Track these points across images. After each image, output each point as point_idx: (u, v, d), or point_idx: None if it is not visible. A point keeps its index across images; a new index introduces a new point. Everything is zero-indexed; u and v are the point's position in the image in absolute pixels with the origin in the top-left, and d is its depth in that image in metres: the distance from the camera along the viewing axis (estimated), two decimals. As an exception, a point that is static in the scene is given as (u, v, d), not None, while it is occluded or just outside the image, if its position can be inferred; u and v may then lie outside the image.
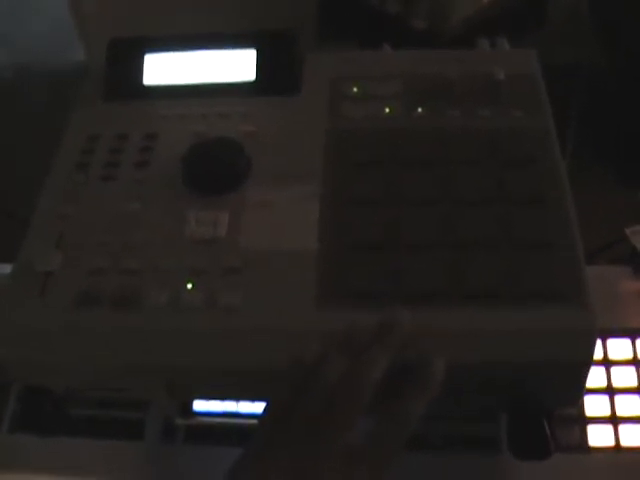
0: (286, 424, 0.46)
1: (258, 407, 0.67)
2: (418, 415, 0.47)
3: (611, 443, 0.64)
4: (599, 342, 0.68)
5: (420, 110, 0.61)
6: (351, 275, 0.53)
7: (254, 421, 0.67)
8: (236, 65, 0.64)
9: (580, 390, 0.54)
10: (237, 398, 0.66)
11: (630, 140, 0.89)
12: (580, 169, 0.86)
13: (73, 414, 0.67)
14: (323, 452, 0.44)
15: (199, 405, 0.68)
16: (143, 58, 0.65)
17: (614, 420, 0.65)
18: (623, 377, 0.66)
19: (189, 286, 0.54)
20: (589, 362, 0.51)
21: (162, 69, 0.65)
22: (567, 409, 0.63)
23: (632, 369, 0.67)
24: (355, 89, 0.63)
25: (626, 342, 0.68)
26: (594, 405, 0.65)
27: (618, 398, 0.66)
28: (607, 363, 0.67)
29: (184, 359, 0.53)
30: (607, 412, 0.65)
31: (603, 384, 0.66)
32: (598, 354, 0.67)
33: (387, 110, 0.61)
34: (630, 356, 0.67)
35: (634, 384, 0.66)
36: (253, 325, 0.52)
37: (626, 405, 0.65)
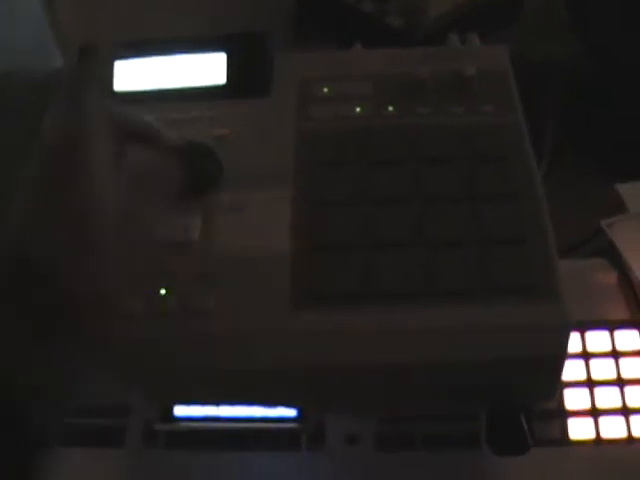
0: None
1: (239, 411, 0.67)
2: None
3: (592, 436, 0.64)
4: (578, 335, 0.68)
5: (391, 109, 0.61)
6: (324, 276, 0.53)
7: (235, 425, 0.67)
8: (207, 69, 0.64)
9: (556, 384, 0.54)
10: (216, 402, 0.66)
11: (608, 132, 0.90)
12: (559, 163, 0.87)
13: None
14: None
15: (180, 410, 0.67)
16: (112, 64, 0.65)
17: (594, 413, 0.65)
18: (602, 369, 0.67)
19: (162, 292, 0.53)
20: (563, 356, 0.51)
21: (132, 75, 0.64)
22: (546, 403, 0.64)
23: (611, 361, 0.67)
24: (325, 89, 0.63)
25: (604, 334, 0.68)
26: (574, 398, 0.66)
27: (598, 390, 0.66)
28: (586, 356, 0.67)
29: (160, 365, 0.53)
30: (587, 405, 0.65)
31: (582, 377, 0.66)
32: (577, 347, 0.67)
33: (357, 110, 0.61)
34: (609, 348, 0.68)
35: (613, 376, 0.66)
36: (227, 329, 0.52)
37: (606, 397, 0.65)
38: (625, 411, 0.65)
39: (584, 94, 0.95)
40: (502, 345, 0.50)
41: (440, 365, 0.51)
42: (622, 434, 0.64)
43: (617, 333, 0.68)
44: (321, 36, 1.11)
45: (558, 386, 0.55)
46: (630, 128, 0.85)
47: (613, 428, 0.64)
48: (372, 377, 0.53)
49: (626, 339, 0.68)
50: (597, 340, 0.68)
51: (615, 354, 0.67)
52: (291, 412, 0.66)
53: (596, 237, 0.77)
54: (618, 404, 0.65)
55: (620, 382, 0.66)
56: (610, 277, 0.71)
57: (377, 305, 0.51)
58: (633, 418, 0.64)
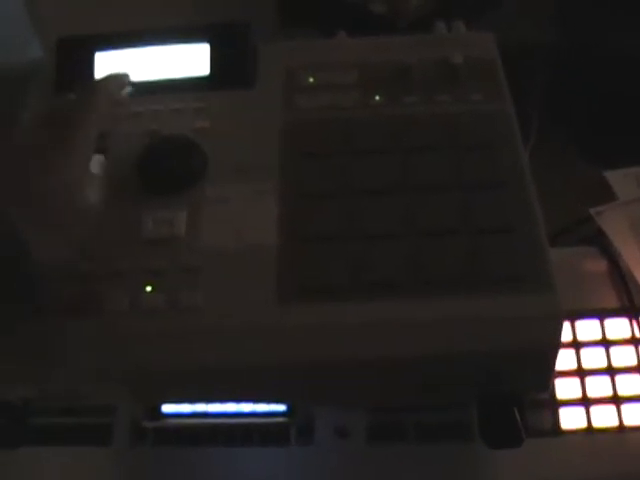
0: None
1: (227, 406, 0.66)
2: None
3: (583, 425, 0.64)
4: (568, 324, 0.67)
5: (377, 98, 0.60)
6: (311, 268, 0.52)
7: (224, 420, 0.66)
8: (190, 60, 0.63)
9: (549, 376, 0.54)
10: (203, 399, 0.65)
11: (594, 117, 0.89)
12: (546, 148, 0.86)
13: (36, 423, 0.65)
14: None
15: (168, 407, 0.67)
16: (93, 56, 0.63)
17: (585, 402, 0.65)
18: (593, 358, 0.66)
19: (148, 288, 0.53)
20: (556, 347, 0.51)
21: (114, 67, 0.63)
22: (537, 395, 0.63)
23: (602, 350, 0.67)
24: (310, 79, 0.62)
25: (595, 323, 0.68)
26: (565, 388, 0.65)
27: (589, 380, 0.65)
28: (576, 344, 0.67)
29: (149, 363, 0.52)
30: (578, 394, 0.65)
31: (573, 366, 0.66)
32: (567, 336, 0.67)
33: (343, 99, 0.60)
34: (599, 337, 0.67)
35: (604, 365, 0.66)
36: (215, 324, 0.51)
37: (597, 386, 0.65)
38: (616, 400, 0.64)
39: (567, 79, 0.94)
40: (492, 337, 0.50)
41: (429, 357, 0.51)
42: (614, 423, 0.64)
43: (607, 322, 0.67)
44: (303, 24, 1.10)
45: (551, 378, 0.54)
46: (612, 113, 0.85)
47: (604, 417, 0.64)
48: (360, 370, 0.52)
49: (616, 327, 0.67)
50: (587, 329, 0.67)
51: (606, 343, 0.67)
52: (280, 407, 0.65)
53: (583, 224, 0.77)
54: (609, 393, 0.65)
55: (611, 371, 0.66)
56: (600, 265, 0.71)
57: (365, 297, 0.51)
58: (624, 407, 0.64)
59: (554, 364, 0.52)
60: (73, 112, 0.55)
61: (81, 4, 0.97)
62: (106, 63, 0.63)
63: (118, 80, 0.61)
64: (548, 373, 0.53)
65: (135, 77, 0.62)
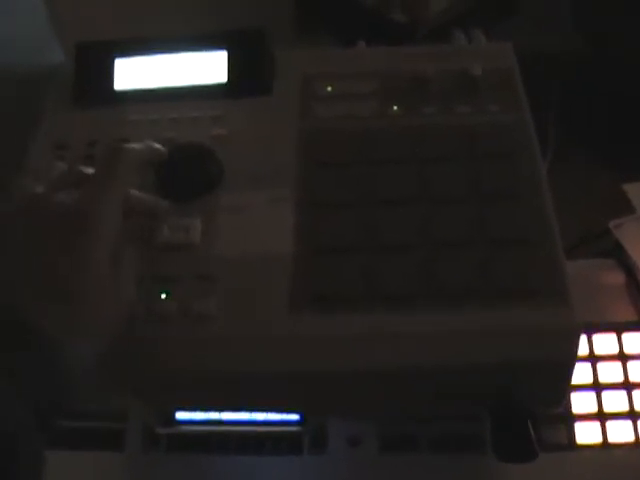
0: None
1: (240, 414, 0.66)
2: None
3: (598, 440, 0.63)
4: (584, 337, 0.67)
5: (396, 108, 0.60)
6: (325, 278, 0.52)
7: (237, 428, 0.66)
8: (208, 67, 0.63)
9: (564, 390, 0.53)
10: (216, 408, 0.65)
11: (615, 125, 0.88)
12: (563, 157, 0.86)
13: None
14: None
15: (181, 414, 0.67)
16: (113, 62, 0.63)
17: (601, 417, 0.64)
18: (609, 373, 0.66)
19: (163, 296, 0.53)
20: (572, 361, 0.50)
21: (133, 73, 0.63)
22: (552, 409, 0.63)
23: (618, 364, 0.66)
24: (329, 88, 0.62)
25: (612, 337, 0.67)
26: (581, 402, 0.65)
27: (605, 394, 0.65)
28: (593, 359, 0.66)
29: (160, 369, 0.52)
30: (594, 409, 0.64)
31: (589, 380, 0.65)
32: (583, 350, 0.66)
33: (361, 109, 0.60)
34: (616, 351, 0.67)
35: (620, 379, 0.65)
36: (227, 332, 0.51)
37: (613, 401, 0.64)
38: (632, 415, 0.64)
39: (585, 87, 0.94)
40: (507, 349, 0.49)
41: (441, 369, 0.50)
42: (629, 438, 0.63)
43: (625, 336, 0.67)
44: (322, 32, 1.10)
45: (566, 392, 0.54)
46: (633, 120, 0.84)
47: (620, 432, 0.63)
48: (372, 381, 0.52)
49: (634, 342, 0.67)
50: (604, 343, 0.67)
51: (622, 357, 0.66)
52: (293, 416, 0.65)
53: (601, 237, 0.76)
54: (625, 408, 0.64)
55: (627, 385, 0.65)
56: (617, 278, 0.70)
57: (378, 308, 0.50)
58: (641, 422, 0.64)
59: (570, 378, 0.51)
60: (94, 183, 0.49)
61: (100, 10, 0.97)
62: (126, 70, 0.63)
63: (147, 152, 0.55)
64: (563, 387, 0.53)
65: (154, 84, 0.63)
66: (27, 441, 0.43)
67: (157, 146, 0.56)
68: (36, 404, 0.43)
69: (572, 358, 0.50)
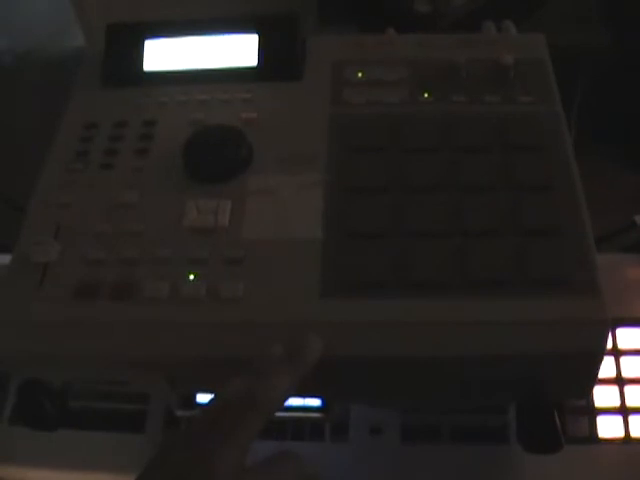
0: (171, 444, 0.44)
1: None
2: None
3: (621, 434, 0.63)
4: (608, 331, 0.66)
5: (426, 96, 0.60)
6: (355, 264, 0.52)
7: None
8: (238, 50, 0.63)
9: (591, 382, 0.53)
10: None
11: (637, 121, 0.88)
12: (586, 152, 0.85)
13: (73, 407, 0.65)
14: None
15: (201, 397, 0.66)
16: (143, 44, 0.63)
17: (624, 411, 0.64)
18: (633, 367, 0.65)
19: (191, 277, 0.52)
20: (601, 353, 0.50)
21: (162, 55, 0.63)
22: (577, 401, 0.62)
23: (642, 359, 0.66)
24: (359, 74, 0.61)
25: (636, 331, 0.67)
26: (603, 396, 0.64)
27: (628, 388, 0.65)
28: (616, 353, 0.66)
29: (186, 351, 0.52)
30: (617, 403, 0.64)
31: (612, 374, 0.65)
32: (607, 343, 0.66)
33: (392, 95, 0.60)
34: (640, 346, 0.66)
35: (644, 374, 0.65)
36: (255, 316, 0.51)
37: (636, 396, 0.64)
38: (655, 410, 0.64)
39: (612, 80, 0.93)
40: (537, 340, 0.49)
41: (469, 359, 0.50)
42: (652, 433, 0.63)
43: (649, 330, 0.67)
44: (343, 21, 1.10)
45: (593, 384, 0.53)
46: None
47: (643, 427, 0.63)
48: (399, 369, 0.52)
49: (658, 337, 0.66)
50: (628, 337, 0.66)
51: (646, 352, 0.66)
52: (315, 402, 0.65)
53: (626, 231, 0.76)
54: (648, 402, 0.64)
55: (651, 380, 0.65)
56: (642, 273, 0.70)
57: (408, 296, 0.50)
58: (663, 417, 0.63)
59: (598, 370, 0.51)
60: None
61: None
62: (156, 51, 0.63)
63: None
64: (591, 379, 0.52)
65: (183, 65, 0.62)
66: None
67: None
68: None
69: (602, 350, 0.49)
